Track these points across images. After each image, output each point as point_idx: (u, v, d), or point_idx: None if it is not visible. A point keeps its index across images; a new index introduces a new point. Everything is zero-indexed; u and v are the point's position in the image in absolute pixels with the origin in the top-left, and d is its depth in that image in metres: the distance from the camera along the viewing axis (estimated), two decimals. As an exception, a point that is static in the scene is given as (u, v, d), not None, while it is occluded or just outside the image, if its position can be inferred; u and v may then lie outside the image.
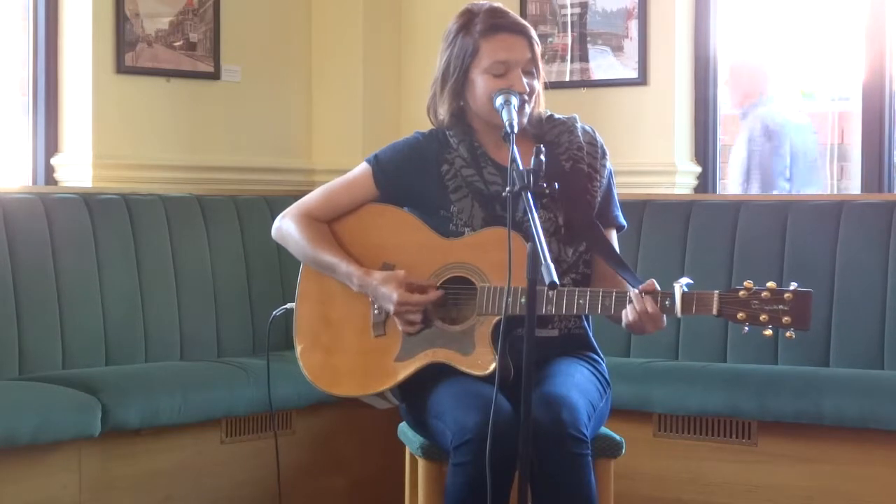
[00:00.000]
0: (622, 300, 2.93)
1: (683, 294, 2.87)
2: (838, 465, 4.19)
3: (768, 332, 2.83)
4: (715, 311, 2.85)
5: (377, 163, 3.26)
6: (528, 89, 3.13)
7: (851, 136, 5.58)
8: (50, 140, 5.10)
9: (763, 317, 2.82)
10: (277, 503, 4.06)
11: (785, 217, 4.71)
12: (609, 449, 3.22)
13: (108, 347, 4.62)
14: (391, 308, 3.08)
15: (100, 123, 5.07)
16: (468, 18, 3.19)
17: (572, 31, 5.36)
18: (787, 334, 2.83)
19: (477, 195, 3.16)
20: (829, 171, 5.90)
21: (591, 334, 3.28)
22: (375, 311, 3.16)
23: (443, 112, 3.23)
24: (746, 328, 2.86)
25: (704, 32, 5.27)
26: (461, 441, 2.91)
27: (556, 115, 3.27)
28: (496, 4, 3.23)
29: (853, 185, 5.39)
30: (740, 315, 2.83)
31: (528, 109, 3.16)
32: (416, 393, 3.14)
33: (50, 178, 5.08)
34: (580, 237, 3.17)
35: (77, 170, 5.05)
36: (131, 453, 4.21)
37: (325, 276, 3.24)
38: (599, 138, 3.27)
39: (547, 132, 3.23)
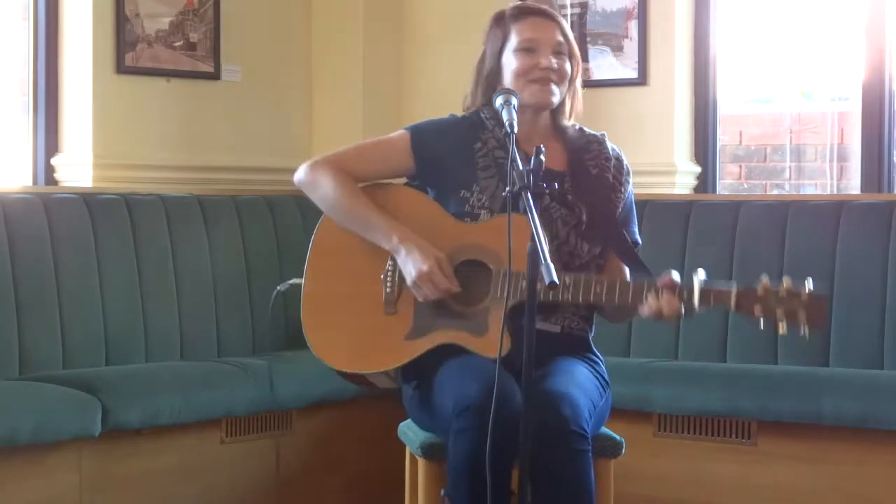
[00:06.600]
0: (640, 291, 2.95)
1: (702, 289, 2.89)
2: (838, 465, 4.19)
3: (783, 329, 2.84)
4: (732, 307, 2.87)
5: (417, 131, 3.29)
6: (554, 66, 3.19)
7: (851, 136, 5.57)
8: (50, 140, 5.10)
9: (780, 313, 2.84)
10: (277, 503, 4.06)
11: (785, 217, 4.71)
12: (609, 449, 3.22)
13: (108, 347, 4.62)
14: (415, 273, 3.07)
15: (100, 123, 5.07)
16: (500, 14, 3.30)
17: (572, 32, 5.35)
18: (802, 332, 2.84)
19: (504, 177, 3.15)
20: (829, 171, 5.89)
21: (591, 338, 3.30)
22: (388, 289, 3.16)
23: (477, 97, 3.28)
24: (762, 324, 2.87)
25: (704, 32, 5.27)
26: (463, 407, 2.91)
27: (587, 129, 3.34)
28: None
29: (853, 185, 5.39)
30: (757, 311, 2.85)
31: (557, 90, 3.21)
32: (418, 373, 3.15)
33: (50, 178, 5.08)
34: (600, 236, 3.20)
35: (77, 170, 5.06)
36: (131, 453, 4.21)
37: (335, 251, 3.24)
38: (626, 159, 3.34)
39: (578, 139, 3.29)
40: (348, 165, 3.26)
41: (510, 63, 3.21)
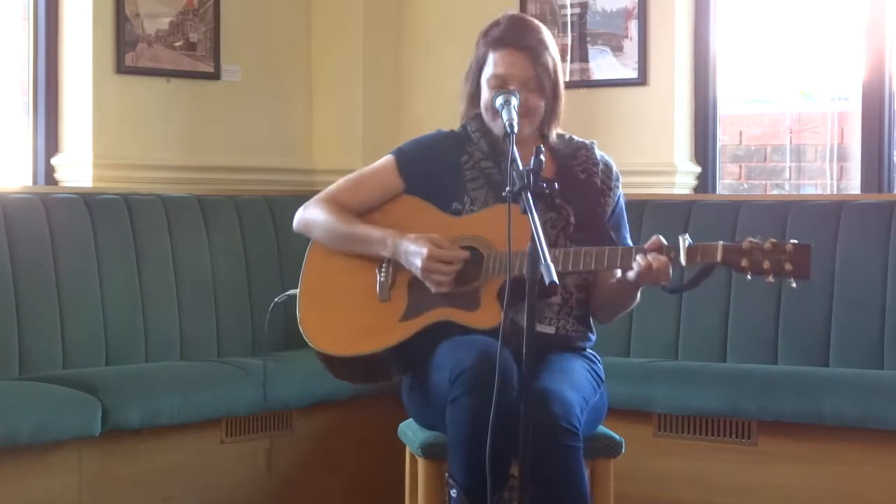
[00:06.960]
0: (628, 254, 3.01)
1: (688, 246, 2.94)
2: (838, 465, 4.19)
3: (770, 279, 2.90)
4: (719, 259, 2.92)
5: (401, 153, 3.36)
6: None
7: (851, 136, 5.57)
8: (50, 140, 5.10)
9: (766, 265, 2.90)
10: (277, 503, 4.06)
11: (785, 217, 4.70)
12: (609, 449, 3.22)
13: (108, 347, 4.62)
14: (419, 262, 3.13)
15: (100, 123, 5.07)
16: (492, 24, 3.31)
17: (572, 32, 5.36)
18: (789, 283, 2.89)
19: (493, 186, 3.24)
20: (829, 171, 5.89)
21: (590, 339, 3.32)
22: (382, 278, 3.23)
23: (463, 110, 3.36)
24: (749, 276, 2.92)
25: (704, 32, 5.27)
26: (458, 373, 2.97)
27: (576, 138, 3.39)
28: (520, 16, 3.39)
29: (853, 185, 5.39)
30: (744, 263, 2.91)
31: (526, 124, 3.23)
32: (414, 363, 3.20)
33: (50, 178, 5.08)
34: (589, 239, 3.22)
35: (77, 170, 5.06)
36: (131, 453, 4.21)
37: (331, 252, 3.31)
38: (614, 166, 3.39)
39: (565, 147, 3.35)
40: (339, 199, 3.35)
41: (484, 91, 3.27)
